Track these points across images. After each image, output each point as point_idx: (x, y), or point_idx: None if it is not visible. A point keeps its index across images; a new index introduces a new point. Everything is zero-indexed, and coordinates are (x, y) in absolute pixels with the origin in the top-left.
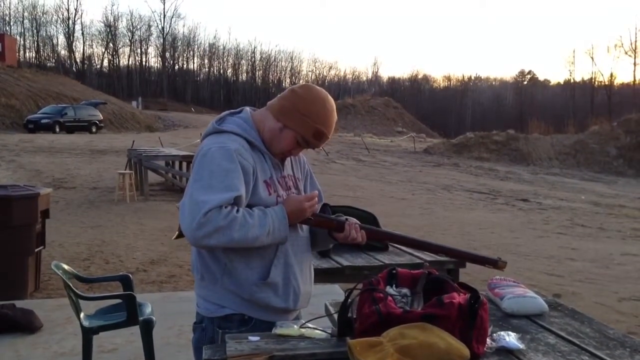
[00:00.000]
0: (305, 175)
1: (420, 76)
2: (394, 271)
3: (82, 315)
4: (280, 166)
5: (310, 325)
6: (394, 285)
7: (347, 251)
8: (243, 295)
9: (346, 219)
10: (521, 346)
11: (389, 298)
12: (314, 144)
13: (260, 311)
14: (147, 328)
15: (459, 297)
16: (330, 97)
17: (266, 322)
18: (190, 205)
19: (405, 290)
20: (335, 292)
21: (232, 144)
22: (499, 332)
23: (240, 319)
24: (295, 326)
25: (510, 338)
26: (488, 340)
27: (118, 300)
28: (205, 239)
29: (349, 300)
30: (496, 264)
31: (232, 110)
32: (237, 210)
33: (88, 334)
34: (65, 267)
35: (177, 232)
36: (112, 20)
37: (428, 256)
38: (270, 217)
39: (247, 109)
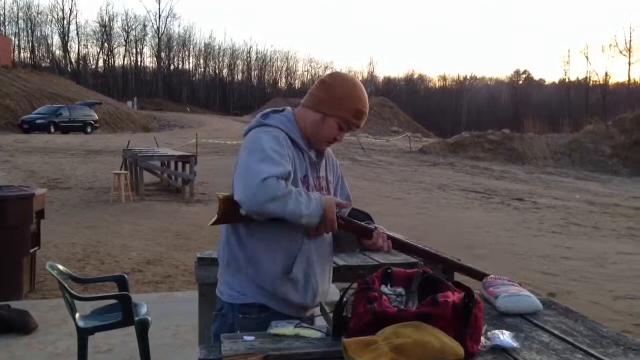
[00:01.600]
0: (336, 179)
1: (415, 76)
2: (389, 270)
3: (77, 315)
4: (317, 166)
5: (305, 324)
6: (389, 285)
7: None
8: (265, 286)
9: (375, 227)
10: (515, 345)
11: (384, 297)
12: (355, 124)
13: (279, 303)
14: (142, 328)
15: (454, 296)
16: (357, 79)
17: (284, 315)
18: (248, 173)
19: (400, 290)
20: (330, 292)
21: (280, 135)
22: (493, 331)
23: (259, 307)
24: (290, 325)
25: (505, 336)
26: (482, 339)
27: (113, 301)
28: (263, 205)
29: (344, 299)
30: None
31: (276, 109)
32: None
33: (83, 335)
34: (60, 267)
35: (215, 217)
36: (107, 20)
37: None
38: (314, 202)
39: (289, 108)
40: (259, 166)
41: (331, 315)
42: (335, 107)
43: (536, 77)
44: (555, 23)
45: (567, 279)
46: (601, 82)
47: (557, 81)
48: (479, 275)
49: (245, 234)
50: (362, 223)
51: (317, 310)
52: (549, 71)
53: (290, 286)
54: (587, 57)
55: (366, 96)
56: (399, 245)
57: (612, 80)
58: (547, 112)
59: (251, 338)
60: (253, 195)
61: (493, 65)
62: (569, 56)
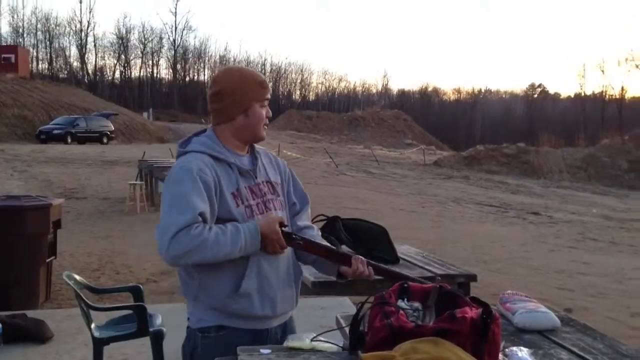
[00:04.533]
0: (286, 179)
1: (430, 89)
2: (406, 285)
3: (93, 325)
4: (252, 174)
5: (321, 338)
6: (405, 299)
7: None
8: (218, 307)
9: (354, 254)
10: None
11: (401, 312)
12: (267, 96)
13: (236, 320)
14: (157, 339)
15: (471, 312)
16: (230, 65)
17: (244, 330)
18: (160, 228)
19: (417, 305)
20: (346, 305)
21: (193, 163)
22: (511, 348)
23: (217, 327)
24: (306, 339)
25: (523, 353)
26: (500, 356)
27: (129, 311)
28: (181, 259)
29: (361, 313)
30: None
31: (196, 132)
32: (210, 229)
33: (99, 345)
34: (77, 277)
35: None
36: (124, 33)
37: (439, 269)
38: (242, 233)
39: (210, 127)
40: (168, 219)
41: (347, 329)
42: (244, 99)
43: (551, 91)
44: (570, 37)
45: (584, 294)
46: (617, 97)
47: (572, 95)
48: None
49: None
50: (326, 244)
51: (286, 315)
52: (564, 85)
53: (244, 302)
54: (603, 71)
55: (250, 68)
56: (381, 272)
57: (629, 95)
58: (562, 126)
59: (267, 351)
60: (167, 253)
61: (508, 78)
62: (584, 70)
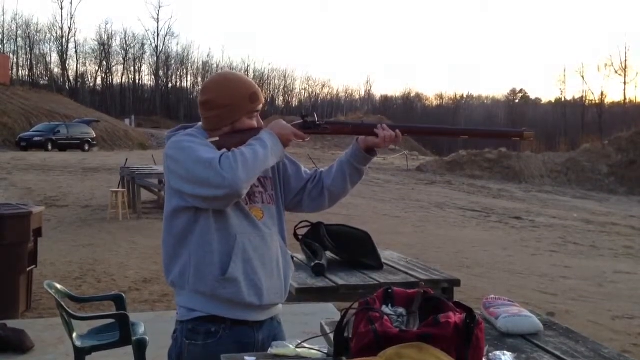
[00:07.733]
0: (278, 168)
1: (412, 94)
2: (390, 290)
3: (74, 335)
4: None
5: (306, 345)
6: (389, 305)
7: (342, 270)
8: (206, 292)
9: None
10: None
11: (385, 318)
12: (257, 107)
13: (227, 308)
14: (140, 348)
15: (455, 317)
16: (225, 73)
17: (233, 332)
18: (202, 168)
19: (401, 310)
20: (330, 311)
21: (189, 133)
22: (494, 352)
23: (206, 331)
24: (291, 346)
25: (506, 357)
26: None
27: (111, 320)
28: (239, 182)
29: (345, 319)
30: (522, 135)
31: (184, 125)
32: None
33: (81, 354)
34: (58, 286)
35: None
36: (105, 39)
37: (423, 275)
38: (262, 137)
39: (200, 123)
40: (203, 156)
41: (332, 335)
42: (231, 113)
43: (532, 96)
44: (551, 43)
45: (566, 298)
46: (597, 102)
47: (553, 100)
48: None
49: (177, 251)
50: (356, 121)
51: (274, 309)
52: (545, 90)
53: (231, 287)
54: (582, 77)
55: (243, 77)
56: (409, 130)
57: (608, 100)
58: (543, 130)
59: (252, 359)
60: (227, 179)
61: (489, 84)
62: (564, 75)
